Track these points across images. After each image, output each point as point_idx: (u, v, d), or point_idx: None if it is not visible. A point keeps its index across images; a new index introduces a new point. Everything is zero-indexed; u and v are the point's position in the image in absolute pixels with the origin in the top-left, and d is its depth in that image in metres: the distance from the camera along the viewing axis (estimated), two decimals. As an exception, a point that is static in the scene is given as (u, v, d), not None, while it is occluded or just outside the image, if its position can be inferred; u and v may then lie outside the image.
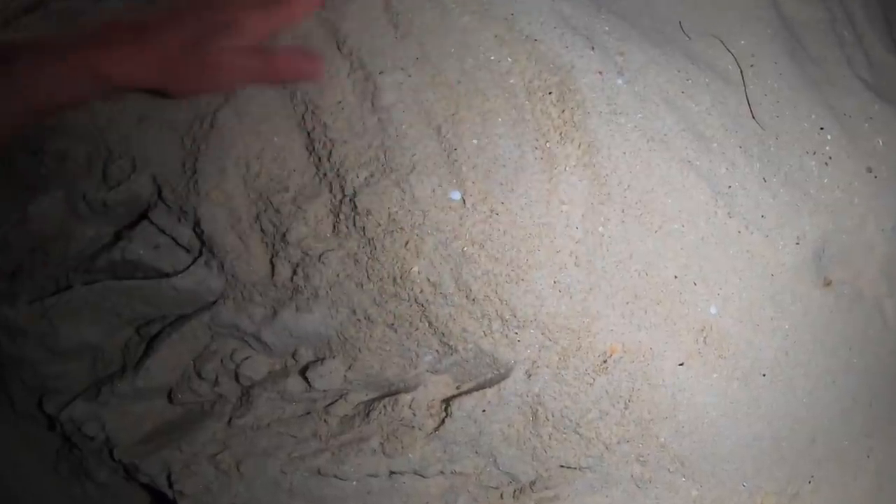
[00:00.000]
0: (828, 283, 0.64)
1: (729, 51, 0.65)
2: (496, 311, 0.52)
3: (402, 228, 0.50)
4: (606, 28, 0.60)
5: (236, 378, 0.55)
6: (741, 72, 0.65)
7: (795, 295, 0.61)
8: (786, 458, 0.63)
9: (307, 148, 0.52)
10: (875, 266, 0.67)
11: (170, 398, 0.56)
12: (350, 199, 0.50)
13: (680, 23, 0.66)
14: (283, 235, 0.51)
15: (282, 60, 0.51)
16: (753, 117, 0.64)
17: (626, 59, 0.59)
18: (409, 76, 0.53)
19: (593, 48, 0.58)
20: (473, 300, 0.51)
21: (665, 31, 0.65)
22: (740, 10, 0.68)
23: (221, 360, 0.55)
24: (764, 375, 0.60)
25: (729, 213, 0.59)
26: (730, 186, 0.60)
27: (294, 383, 0.54)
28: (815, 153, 0.65)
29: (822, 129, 0.66)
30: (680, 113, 0.59)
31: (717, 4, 0.68)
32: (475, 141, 0.52)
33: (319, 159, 0.51)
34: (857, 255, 0.66)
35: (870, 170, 0.67)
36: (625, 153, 0.56)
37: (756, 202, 0.60)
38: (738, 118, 0.63)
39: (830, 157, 0.65)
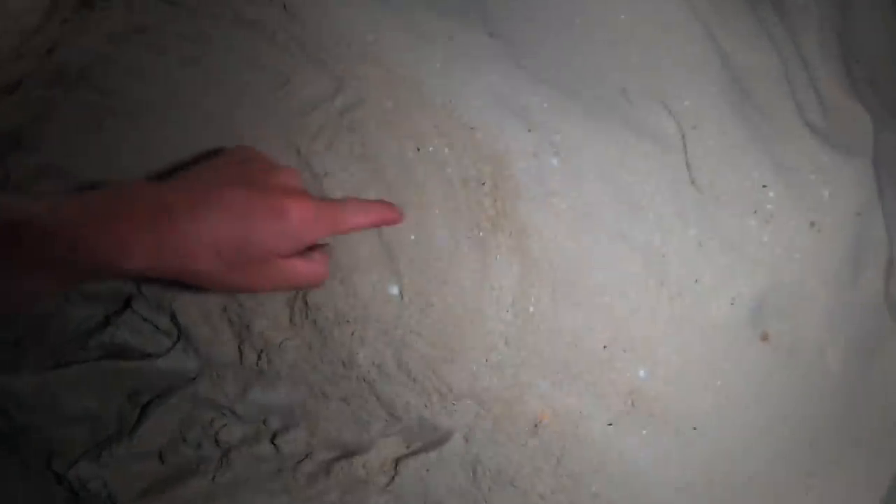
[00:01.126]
0: (765, 338, 0.74)
1: (671, 114, 0.73)
2: (434, 387, 0.64)
3: (347, 321, 0.62)
4: (545, 105, 0.69)
5: (216, 442, 0.69)
6: (682, 135, 0.73)
7: (729, 353, 0.72)
8: (720, 500, 0.75)
9: (262, 249, 0.64)
10: (816, 317, 0.76)
11: (161, 459, 0.71)
12: (302, 296, 0.63)
13: (623, 89, 0.74)
14: (248, 326, 0.64)
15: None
16: (692, 182, 0.72)
17: (562, 136, 0.69)
18: (352, 175, 0.64)
19: (529, 130, 0.67)
20: (414, 379, 0.64)
21: (607, 98, 0.73)
22: (687, 67, 0.75)
23: (203, 427, 0.69)
24: (695, 429, 0.72)
25: (661, 282, 0.69)
26: (664, 255, 0.69)
27: (265, 448, 0.68)
28: (756, 212, 0.74)
29: (764, 186, 0.74)
30: (615, 185, 0.69)
31: (663, 65, 0.75)
32: (412, 236, 0.63)
33: (272, 261, 0.63)
34: (797, 308, 0.75)
35: (813, 224, 0.75)
36: (556, 234, 0.66)
37: (690, 268, 0.70)
38: (675, 184, 0.71)
39: (772, 215, 0.74)
